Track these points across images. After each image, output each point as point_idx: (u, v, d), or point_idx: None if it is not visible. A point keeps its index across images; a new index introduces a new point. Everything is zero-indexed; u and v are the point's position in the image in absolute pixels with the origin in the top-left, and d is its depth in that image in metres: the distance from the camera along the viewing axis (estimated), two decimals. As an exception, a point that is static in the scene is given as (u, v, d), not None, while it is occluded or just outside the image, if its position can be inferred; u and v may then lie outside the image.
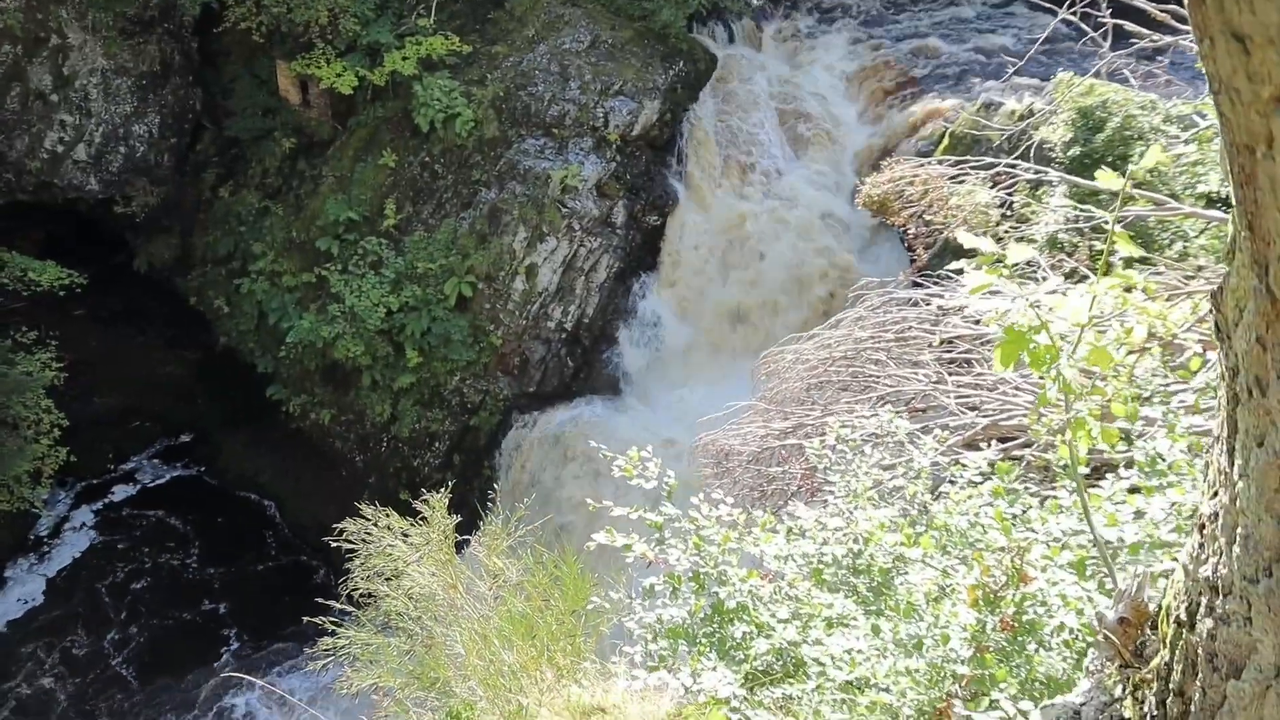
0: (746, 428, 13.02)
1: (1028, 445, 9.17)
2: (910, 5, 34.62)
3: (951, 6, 34.24)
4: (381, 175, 29.67)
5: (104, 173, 30.53)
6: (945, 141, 23.85)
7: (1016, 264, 3.69)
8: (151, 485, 32.29)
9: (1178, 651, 2.67)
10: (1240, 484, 2.26)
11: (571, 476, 27.09)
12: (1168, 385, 6.78)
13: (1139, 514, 5.11)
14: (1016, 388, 10.35)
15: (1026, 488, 6.30)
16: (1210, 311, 2.35)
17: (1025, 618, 5.01)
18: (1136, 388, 6.43)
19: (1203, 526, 2.50)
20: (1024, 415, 9.60)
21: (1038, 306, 3.63)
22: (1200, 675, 2.53)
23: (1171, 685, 2.70)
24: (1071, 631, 4.87)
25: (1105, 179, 3.46)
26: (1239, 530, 2.29)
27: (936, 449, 7.32)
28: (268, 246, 30.65)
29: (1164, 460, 5.33)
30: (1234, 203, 2.10)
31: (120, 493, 31.90)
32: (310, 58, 28.97)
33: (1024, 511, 5.71)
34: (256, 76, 31.69)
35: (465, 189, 28.95)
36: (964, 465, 6.43)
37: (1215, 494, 2.41)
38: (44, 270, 27.74)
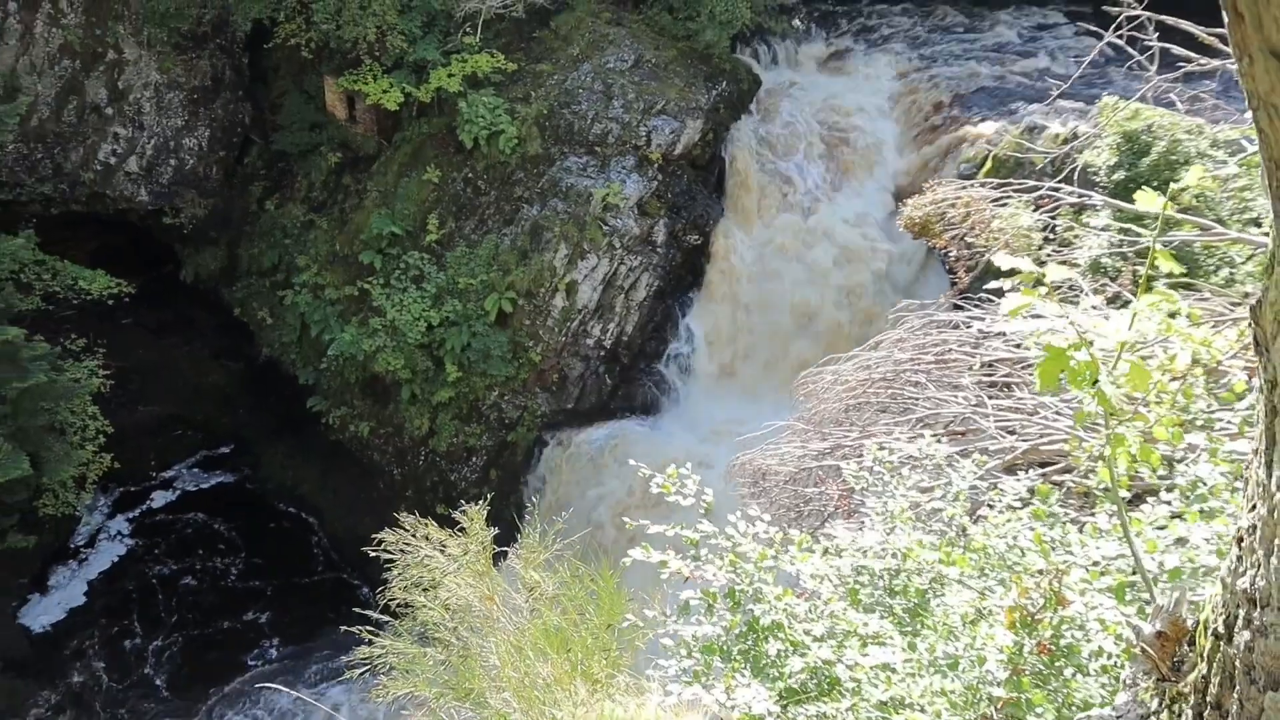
0: (784, 448, 12.97)
1: (1067, 471, 9.10)
2: (953, 28, 34.55)
3: (995, 29, 34.14)
4: (425, 190, 29.98)
5: (154, 184, 31.14)
6: (988, 164, 23.73)
7: (1056, 284, 3.68)
8: (193, 491, 32.71)
9: (1215, 664, 2.65)
10: (1279, 496, 2.25)
11: (608, 493, 27.11)
12: (1211, 410, 6.71)
13: (1180, 540, 5.06)
14: (1057, 413, 10.26)
15: (1066, 512, 6.25)
16: (1249, 325, 2.34)
17: (1063, 642, 4.97)
18: (1180, 411, 6.37)
19: (1241, 539, 2.49)
20: (1064, 440, 9.53)
21: (1077, 325, 3.62)
22: (1238, 688, 2.51)
23: (1209, 698, 2.68)
24: (1110, 657, 4.82)
25: (1145, 200, 3.44)
26: (1277, 542, 2.29)
27: (975, 472, 7.27)
28: (311, 259, 31.05)
29: (1205, 484, 5.28)
30: (1273, 217, 2.11)
31: (160, 499, 32.34)
32: (357, 74, 29.40)
33: (1063, 535, 5.67)
34: (305, 92, 32.22)
35: (507, 205, 29.19)
36: (1002, 490, 6.39)
37: (1254, 507, 2.40)
38: (94, 279, 28.29)
